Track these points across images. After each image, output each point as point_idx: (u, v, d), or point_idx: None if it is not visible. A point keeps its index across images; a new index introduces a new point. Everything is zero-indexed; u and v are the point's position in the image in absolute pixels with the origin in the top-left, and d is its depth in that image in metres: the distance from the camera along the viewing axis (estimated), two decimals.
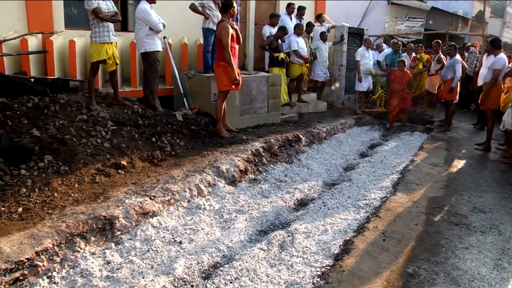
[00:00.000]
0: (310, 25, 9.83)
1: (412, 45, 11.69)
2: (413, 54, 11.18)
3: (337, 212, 4.61)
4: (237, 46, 6.27)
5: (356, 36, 11.60)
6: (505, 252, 3.76)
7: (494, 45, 7.47)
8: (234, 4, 6.09)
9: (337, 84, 10.93)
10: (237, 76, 6.07)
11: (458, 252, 3.70)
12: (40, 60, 6.48)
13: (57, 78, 6.29)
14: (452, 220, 4.38)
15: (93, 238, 3.49)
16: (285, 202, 4.89)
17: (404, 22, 16.91)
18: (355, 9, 16.50)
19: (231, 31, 5.94)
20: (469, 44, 12.34)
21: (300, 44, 9.04)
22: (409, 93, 9.39)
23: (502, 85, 7.40)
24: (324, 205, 4.81)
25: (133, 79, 7.46)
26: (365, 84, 10.29)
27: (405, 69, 9.18)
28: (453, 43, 9.68)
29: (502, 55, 7.38)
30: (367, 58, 10.23)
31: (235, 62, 6.12)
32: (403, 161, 6.70)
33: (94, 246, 3.47)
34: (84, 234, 3.43)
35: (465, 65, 10.04)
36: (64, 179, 4.26)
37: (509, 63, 7.65)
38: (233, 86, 6.27)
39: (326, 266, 3.43)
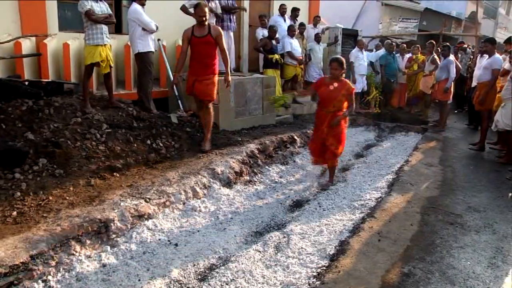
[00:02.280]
0: (301, 25, 9.88)
1: (405, 45, 11.74)
2: (406, 55, 11.23)
3: (332, 213, 4.62)
4: (204, 54, 5.65)
5: (350, 37, 11.65)
6: (499, 251, 3.78)
7: (493, 43, 7.50)
8: (198, 9, 5.49)
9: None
10: (175, 81, 5.95)
11: (453, 251, 3.72)
12: (34, 63, 6.46)
13: (51, 81, 6.26)
14: (447, 219, 4.40)
15: (88, 241, 3.48)
16: (281, 203, 4.90)
17: (398, 23, 17.01)
18: (349, 10, 16.56)
19: (187, 34, 5.54)
20: (465, 45, 12.39)
21: (293, 45, 9.07)
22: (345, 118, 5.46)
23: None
24: (320, 206, 4.82)
25: (128, 82, 7.44)
26: (359, 85, 10.32)
27: (343, 78, 5.35)
28: (447, 43, 9.73)
29: (498, 55, 7.43)
30: (361, 59, 10.27)
31: (197, 68, 5.69)
32: (398, 161, 6.72)
33: (89, 249, 3.46)
34: (80, 237, 3.42)
35: (459, 65, 10.11)
36: (59, 182, 4.24)
37: None
38: (215, 97, 5.99)
39: (321, 266, 3.43)
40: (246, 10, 9.04)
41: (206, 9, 5.53)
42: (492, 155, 7.24)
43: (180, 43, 8.08)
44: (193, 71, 5.74)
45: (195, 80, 5.69)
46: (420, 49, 11.11)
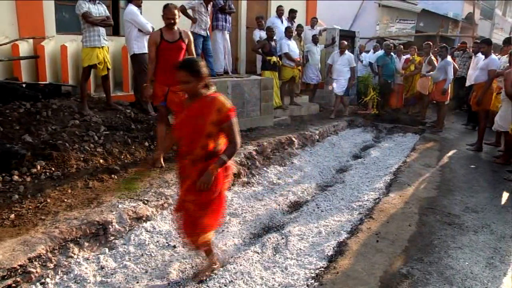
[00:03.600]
0: (299, 26, 9.89)
1: (402, 47, 11.75)
2: (403, 56, 11.24)
3: (330, 214, 4.63)
4: (177, 59, 4.93)
5: (348, 38, 11.66)
6: (497, 251, 3.79)
7: (489, 44, 7.53)
8: (166, 10, 4.98)
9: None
10: (148, 93, 5.08)
11: (451, 252, 3.72)
12: (32, 65, 6.45)
13: (49, 83, 6.27)
14: (445, 220, 4.41)
15: (86, 244, 3.48)
16: (279, 205, 4.90)
17: (395, 24, 17.03)
18: (347, 12, 16.58)
19: (154, 39, 4.98)
20: (470, 47, 12.42)
21: (291, 46, 9.07)
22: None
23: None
24: (318, 207, 4.82)
25: (125, 83, 7.44)
26: (337, 89, 10.09)
27: (211, 93, 2.99)
28: (444, 44, 9.76)
29: (494, 56, 7.46)
30: (336, 62, 10.02)
31: (169, 77, 4.88)
32: (396, 162, 6.74)
33: (87, 252, 3.45)
34: (78, 239, 3.42)
35: (456, 66, 10.13)
36: (57, 184, 4.24)
37: None
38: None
39: (320, 268, 3.44)
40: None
41: (176, 11, 5.01)
42: (490, 156, 7.26)
43: None
44: (164, 80, 5.01)
45: (168, 90, 5.01)
46: (416, 50, 11.15)
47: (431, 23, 17.27)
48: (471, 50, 10.29)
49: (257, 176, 5.75)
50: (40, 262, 3.06)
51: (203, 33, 7.44)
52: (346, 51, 10.00)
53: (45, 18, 6.63)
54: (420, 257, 3.58)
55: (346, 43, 10.21)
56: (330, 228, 4.25)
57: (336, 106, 10.14)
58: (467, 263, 3.56)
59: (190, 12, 7.22)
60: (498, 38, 23.74)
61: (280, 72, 9.04)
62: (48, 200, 3.93)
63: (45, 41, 6.51)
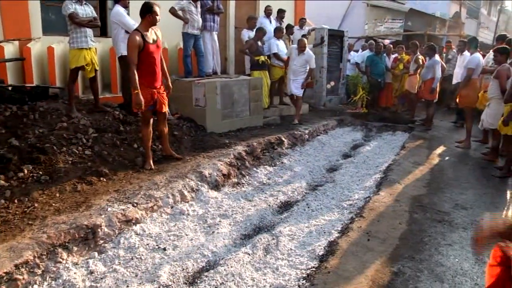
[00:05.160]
0: (289, 27, 9.88)
1: (391, 46, 11.84)
2: (392, 55, 11.32)
3: (321, 214, 4.63)
4: (158, 60, 5.01)
5: (337, 38, 11.70)
6: None
7: (470, 44, 7.65)
8: (156, 9, 4.77)
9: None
10: (141, 100, 4.73)
11: (441, 249, 3.75)
12: (18, 67, 6.37)
13: (36, 85, 6.19)
14: (435, 217, 4.43)
15: (75, 248, 3.43)
16: (269, 205, 4.89)
17: (383, 24, 17.12)
18: (335, 11, 16.64)
19: (138, 42, 4.70)
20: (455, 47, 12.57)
21: (280, 46, 9.06)
22: None
23: (479, 84, 7.59)
24: (308, 207, 4.82)
25: (114, 85, 7.39)
26: (295, 89, 8.80)
27: None
28: (432, 43, 9.83)
29: (477, 55, 7.57)
30: (293, 60, 8.75)
31: (153, 79, 4.98)
32: (386, 160, 6.77)
33: (76, 256, 3.40)
34: (66, 244, 3.37)
35: (444, 65, 10.22)
36: (44, 188, 4.18)
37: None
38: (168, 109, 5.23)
39: (311, 267, 3.43)
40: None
41: (158, 8, 4.79)
42: (478, 153, 7.33)
43: (166, 45, 8.08)
44: (150, 83, 4.95)
45: (157, 92, 5.04)
46: (404, 49, 11.23)
47: (419, 22, 17.41)
48: (455, 50, 10.40)
49: (247, 177, 5.74)
50: (27, 269, 3.00)
51: (196, 32, 7.42)
52: (306, 50, 8.58)
53: (31, 19, 6.55)
54: (411, 255, 3.60)
55: (305, 40, 8.74)
56: (321, 227, 4.25)
57: (300, 109, 9.09)
58: (457, 259, 3.58)
59: (180, 13, 7.18)
60: (484, 37, 24.04)
61: (270, 71, 9.02)
62: (36, 205, 3.87)
63: (31, 42, 6.43)
